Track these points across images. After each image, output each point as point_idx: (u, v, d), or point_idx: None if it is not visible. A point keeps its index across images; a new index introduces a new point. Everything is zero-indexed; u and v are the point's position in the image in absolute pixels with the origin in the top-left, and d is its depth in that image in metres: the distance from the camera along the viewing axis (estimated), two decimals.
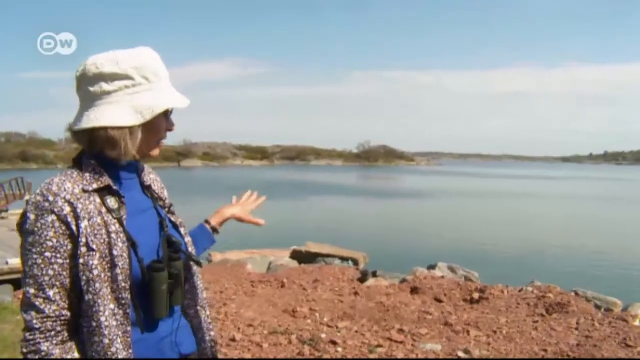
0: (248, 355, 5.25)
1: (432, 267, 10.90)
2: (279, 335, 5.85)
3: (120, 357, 1.45)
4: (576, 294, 8.34)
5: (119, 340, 1.46)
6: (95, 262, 1.43)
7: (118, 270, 1.45)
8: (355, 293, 8.22)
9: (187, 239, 1.75)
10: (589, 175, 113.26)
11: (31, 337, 1.43)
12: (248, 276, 9.57)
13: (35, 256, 1.43)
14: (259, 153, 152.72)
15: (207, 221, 2.05)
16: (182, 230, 1.74)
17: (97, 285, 1.43)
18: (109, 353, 1.44)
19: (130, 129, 1.49)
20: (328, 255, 12.00)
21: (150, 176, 1.75)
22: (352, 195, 49.53)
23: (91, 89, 1.51)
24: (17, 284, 8.98)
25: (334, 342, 5.59)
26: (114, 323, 1.45)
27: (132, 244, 1.50)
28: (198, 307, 1.77)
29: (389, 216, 33.19)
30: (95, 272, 1.43)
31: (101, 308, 1.44)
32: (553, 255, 19.68)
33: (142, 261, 1.51)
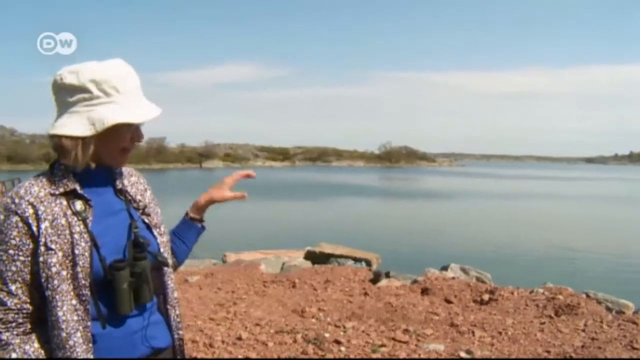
0: (253, 354, 5.33)
1: (444, 268, 10.88)
2: (284, 335, 5.92)
3: (78, 350, 1.54)
4: (587, 296, 8.28)
5: (78, 334, 1.55)
6: (54, 260, 1.54)
7: (79, 269, 1.55)
8: (365, 294, 8.26)
9: (162, 239, 1.84)
10: (613, 177, 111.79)
11: None
12: (260, 276, 9.65)
13: (1, 253, 1.55)
14: (281, 154, 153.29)
15: (186, 214, 2.08)
16: (156, 231, 1.82)
17: (55, 282, 1.54)
18: (67, 346, 1.54)
19: (84, 139, 1.59)
20: (341, 256, 12.03)
21: (131, 179, 1.86)
22: (370, 196, 49.53)
23: (58, 98, 1.63)
24: None
25: (338, 342, 5.65)
26: (75, 318, 1.55)
27: (94, 244, 1.59)
28: (168, 307, 1.86)
29: (406, 217, 33.12)
30: (53, 269, 1.54)
31: (59, 303, 1.54)
32: (568, 257, 19.50)
33: (104, 260, 1.60)
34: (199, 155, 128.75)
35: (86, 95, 1.60)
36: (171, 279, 1.87)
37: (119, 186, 1.78)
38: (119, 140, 1.66)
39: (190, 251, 2.05)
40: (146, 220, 1.81)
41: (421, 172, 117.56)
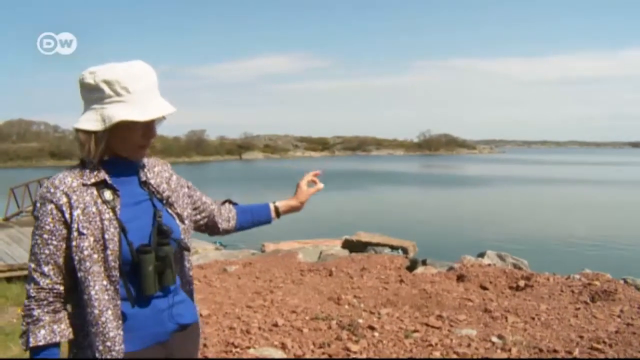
0: (288, 340, 5.48)
1: (481, 255, 10.87)
2: (320, 321, 6.06)
3: (109, 325, 1.73)
4: (625, 282, 8.21)
5: (109, 312, 1.73)
6: (86, 244, 1.72)
7: (109, 252, 1.73)
8: (401, 281, 8.34)
9: (184, 226, 2.00)
10: None
11: (28, 303, 1.76)
12: (298, 265, 9.81)
13: (37, 237, 1.75)
14: (320, 144, 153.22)
15: (274, 202, 2.42)
16: (178, 219, 1.98)
17: (87, 264, 1.72)
18: (99, 322, 1.72)
19: (95, 134, 1.78)
20: (378, 245, 12.14)
21: (155, 169, 2.02)
22: (408, 184, 49.37)
23: (82, 96, 1.83)
24: None
25: (371, 327, 5.77)
26: (106, 297, 1.73)
27: (122, 230, 1.77)
28: (187, 287, 2.06)
29: (443, 205, 32.98)
30: (85, 252, 1.72)
31: (91, 283, 1.72)
32: (607, 243, 19.19)
33: (131, 245, 1.77)
34: (239, 147, 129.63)
35: (101, 95, 1.78)
36: (189, 262, 2.05)
37: (143, 178, 1.94)
38: (131, 136, 1.82)
39: (249, 226, 2.38)
40: (169, 210, 1.97)
41: (460, 160, 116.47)
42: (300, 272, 9.17)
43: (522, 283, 8.08)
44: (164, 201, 1.98)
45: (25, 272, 9.74)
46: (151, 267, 1.79)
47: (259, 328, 5.87)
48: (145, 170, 1.98)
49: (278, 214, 2.39)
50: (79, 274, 1.72)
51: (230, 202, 2.36)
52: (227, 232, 2.32)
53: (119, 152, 1.85)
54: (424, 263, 9.98)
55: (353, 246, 12.47)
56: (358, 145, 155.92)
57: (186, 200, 2.08)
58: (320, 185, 2.48)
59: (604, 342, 5.29)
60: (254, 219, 2.36)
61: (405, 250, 11.89)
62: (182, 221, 2.00)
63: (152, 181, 1.97)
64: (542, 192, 41.60)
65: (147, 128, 1.84)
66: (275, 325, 5.96)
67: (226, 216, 2.29)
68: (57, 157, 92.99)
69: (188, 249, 1.99)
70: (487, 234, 19.92)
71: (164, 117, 1.89)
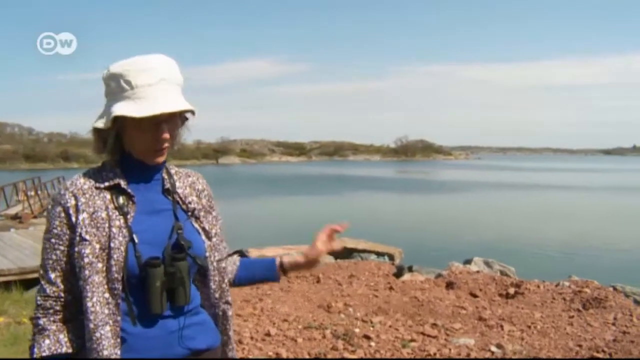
0: (283, 350, 5.35)
1: (468, 262, 10.84)
2: (313, 330, 5.94)
3: (104, 343, 1.54)
4: (615, 289, 8.21)
5: (107, 327, 1.55)
6: (87, 251, 1.55)
7: (113, 262, 1.56)
8: (391, 288, 8.26)
9: (209, 242, 1.78)
10: (631, 168, 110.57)
11: (35, 312, 1.62)
12: None
13: (45, 242, 1.63)
14: (297, 149, 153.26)
15: (281, 258, 2.00)
16: (203, 235, 1.78)
17: (86, 272, 1.55)
18: (94, 337, 1.54)
19: (100, 132, 1.65)
20: (364, 251, 12.03)
21: (188, 179, 1.84)
22: (388, 190, 49.36)
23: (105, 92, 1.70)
24: None
25: (367, 337, 5.66)
26: (106, 311, 1.56)
27: (131, 239, 1.60)
28: (212, 308, 1.84)
29: (425, 211, 32.97)
30: (86, 260, 1.55)
31: (89, 294, 1.55)
32: (592, 250, 19.31)
33: (140, 256, 1.60)
34: (215, 152, 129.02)
35: (109, 90, 1.64)
36: (217, 282, 1.82)
37: (167, 186, 1.75)
38: (139, 137, 1.65)
39: (249, 283, 2.07)
40: (195, 225, 1.77)
41: (437, 166, 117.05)
42: (287, 278, 9.03)
43: (512, 290, 8.06)
44: (189, 213, 1.78)
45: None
46: (158, 282, 1.60)
47: (252, 338, 5.74)
48: (174, 177, 1.80)
49: (284, 270, 2.00)
50: (80, 282, 1.57)
51: (240, 253, 2.10)
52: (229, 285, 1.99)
53: (133, 154, 1.67)
54: (410, 270, 9.92)
55: (338, 252, 12.33)
56: (335, 151, 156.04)
57: (213, 222, 1.85)
58: (337, 246, 2.03)
59: (604, 351, 5.25)
60: (255, 275, 2.02)
61: (391, 257, 11.83)
62: (209, 237, 1.79)
63: (179, 190, 1.79)
64: (521, 198, 41.92)
65: (156, 128, 1.63)
66: (268, 334, 5.82)
67: (229, 269, 1.97)
68: (31, 160, 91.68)
69: (206, 267, 1.77)
70: (471, 240, 19.95)
71: (186, 118, 1.72)
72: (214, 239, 1.81)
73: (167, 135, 1.66)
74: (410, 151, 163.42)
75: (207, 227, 1.80)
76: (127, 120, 1.58)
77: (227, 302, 1.85)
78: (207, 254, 1.76)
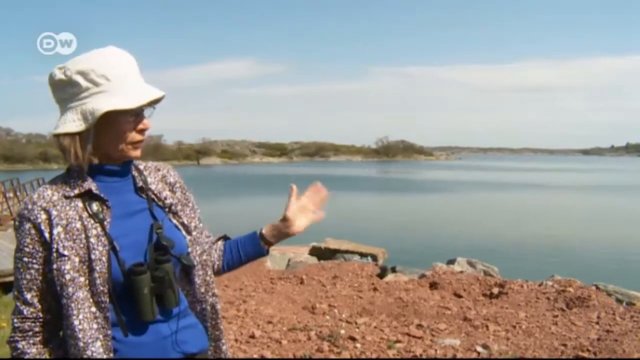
0: (268, 352, 5.30)
1: (451, 262, 10.85)
2: (298, 332, 5.89)
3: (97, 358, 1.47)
4: (597, 288, 8.25)
5: (98, 343, 1.48)
6: (67, 267, 1.47)
7: (96, 275, 1.48)
8: (375, 289, 8.23)
9: (190, 237, 1.72)
10: (610, 168, 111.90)
11: (12, 335, 1.53)
12: (267, 273, 9.61)
13: (17, 261, 1.52)
14: (278, 150, 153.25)
15: (261, 230, 1.90)
16: (184, 230, 1.72)
17: (70, 289, 1.47)
18: (85, 356, 1.47)
19: (80, 135, 1.51)
20: (347, 252, 11.99)
21: (158, 173, 1.76)
22: (370, 190, 49.50)
23: (55, 97, 1.58)
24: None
25: (353, 338, 5.61)
26: (95, 326, 1.48)
27: (112, 248, 1.51)
28: (198, 309, 1.77)
29: (408, 211, 33.10)
30: (67, 277, 1.46)
31: (75, 312, 1.47)
32: (574, 249, 19.49)
33: (123, 265, 1.52)
34: (196, 153, 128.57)
35: (76, 89, 1.51)
36: (201, 276, 1.75)
37: (140, 184, 1.67)
38: (122, 131, 1.56)
39: (239, 264, 1.92)
40: (173, 220, 1.71)
41: (418, 166, 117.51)
42: (271, 280, 8.97)
43: (495, 290, 8.07)
44: (167, 209, 1.71)
45: None
46: (146, 289, 1.52)
47: (236, 340, 5.67)
48: (145, 174, 1.71)
49: (267, 242, 1.88)
50: (63, 301, 1.47)
51: (226, 238, 1.95)
52: (216, 274, 1.87)
53: (110, 152, 1.57)
54: (393, 270, 9.91)
55: (321, 253, 12.29)
56: (316, 151, 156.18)
57: (192, 214, 1.79)
58: (317, 216, 2.00)
59: (589, 350, 5.26)
60: (242, 255, 1.89)
61: (374, 258, 11.78)
62: (189, 232, 1.72)
63: (152, 186, 1.70)
64: (502, 198, 42.20)
65: (138, 119, 1.57)
66: (252, 336, 5.76)
67: (215, 255, 1.89)
68: (9, 161, 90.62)
69: (192, 266, 1.70)
70: (454, 240, 20.03)
71: (153, 107, 1.62)
72: (194, 233, 1.75)
73: (149, 125, 1.60)
74: (391, 152, 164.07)
75: (185, 222, 1.74)
76: (106, 116, 1.49)
77: (214, 295, 1.78)
78: (189, 249, 1.70)
